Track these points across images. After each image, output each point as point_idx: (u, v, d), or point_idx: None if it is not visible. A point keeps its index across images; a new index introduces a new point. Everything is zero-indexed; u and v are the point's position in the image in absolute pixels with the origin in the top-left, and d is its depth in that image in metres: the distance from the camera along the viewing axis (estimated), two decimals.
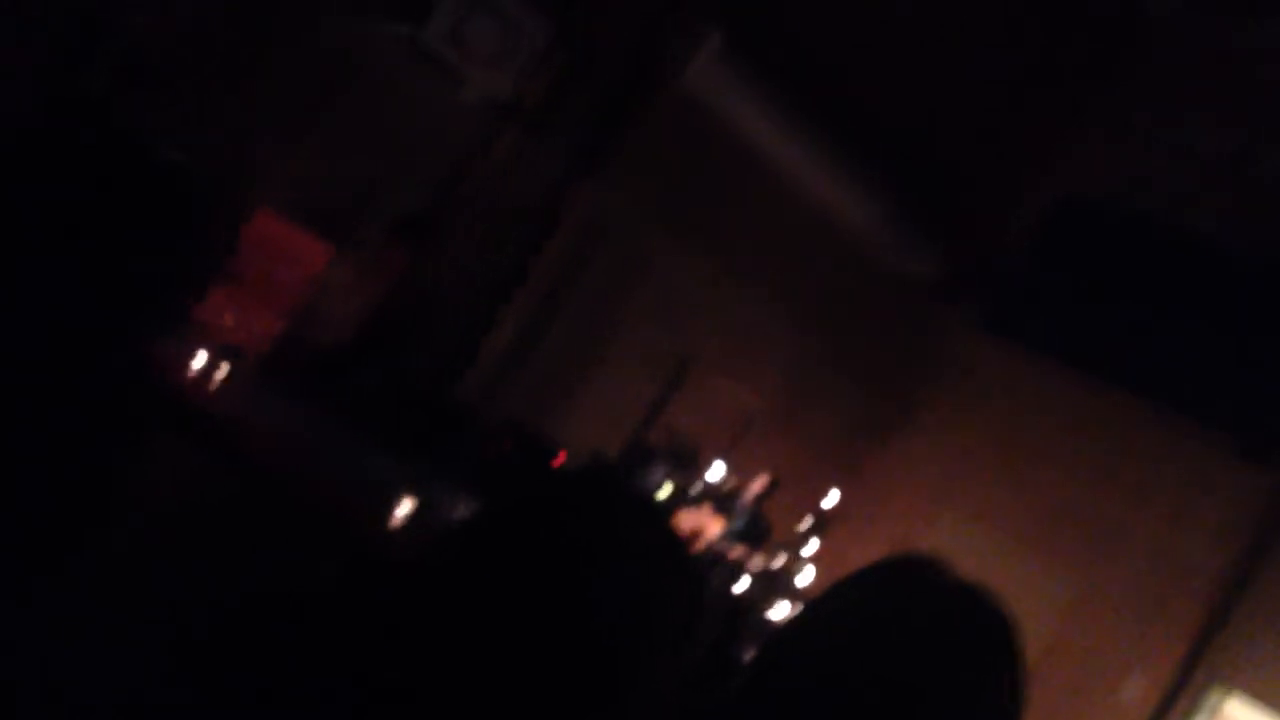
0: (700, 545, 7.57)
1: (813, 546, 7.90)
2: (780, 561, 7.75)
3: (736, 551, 7.66)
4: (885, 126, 8.95)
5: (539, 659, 0.99)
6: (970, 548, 8.49)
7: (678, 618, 1.08)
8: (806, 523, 8.04)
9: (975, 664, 1.05)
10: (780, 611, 7.41)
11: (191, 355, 6.53)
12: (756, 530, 7.88)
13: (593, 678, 1.01)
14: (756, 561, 7.66)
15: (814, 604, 1.16)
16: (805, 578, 7.73)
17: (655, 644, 1.04)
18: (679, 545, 1.12)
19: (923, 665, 1.04)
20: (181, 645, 1.00)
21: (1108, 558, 8.74)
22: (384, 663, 0.98)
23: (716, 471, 8.02)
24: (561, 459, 6.70)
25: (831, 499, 8.16)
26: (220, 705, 0.97)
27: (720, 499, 7.87)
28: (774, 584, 7.59)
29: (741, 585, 7.51)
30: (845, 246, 9.44)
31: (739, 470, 8.17)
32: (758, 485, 8.00)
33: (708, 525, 7.66)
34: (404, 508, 6.13)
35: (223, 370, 6.58)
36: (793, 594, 7.54)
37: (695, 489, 7.89)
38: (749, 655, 6.68)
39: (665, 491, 7.74)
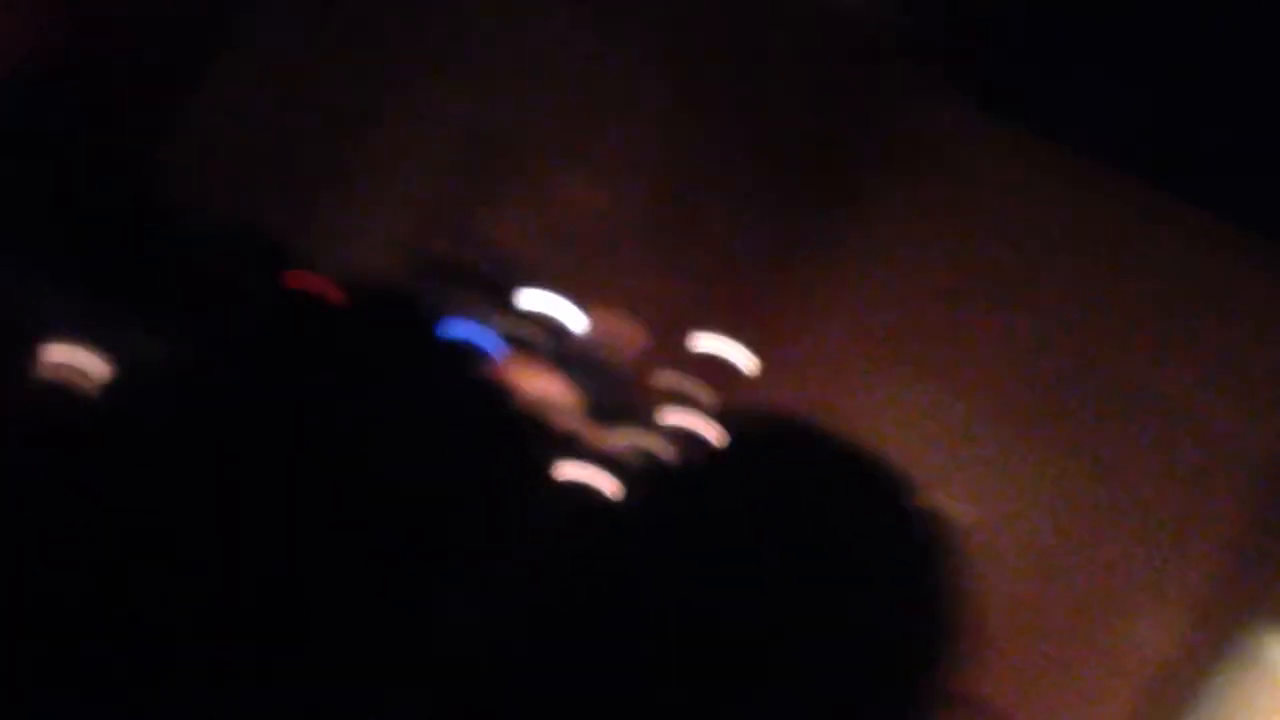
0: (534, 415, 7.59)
1: (680, 418, 7.84)
2: (627, 440, 7.73)
3: (598, 435, 7.69)
4: None
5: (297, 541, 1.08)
6: (926, 421, 8.73)
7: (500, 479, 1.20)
8: (669, 381, 8.04)
9: (881, 556, 1.20)
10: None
11: None
12: (625, 399, 7.95)
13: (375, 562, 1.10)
14: (625, 443, 7.69)
15: (652, 479, 1.35)
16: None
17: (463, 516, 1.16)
18: (495, 392, 1.25)
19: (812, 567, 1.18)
20: None
21: (1127, 439, 9.09)
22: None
23: (549, 304, 8.03)
24: (304, 282, 6.69)
25: (706, 344, 8.07)
26: None
27: (557, 346, 7.92)
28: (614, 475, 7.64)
29: (576, 472, 7.57)
30: None
31: (588, 307, 8.22)
32: (626, 336, 7.98)
33: (537, 381, 7.69)
34: (57, 355, 6.00)
35: None
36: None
37: (515, 327, 7.90)
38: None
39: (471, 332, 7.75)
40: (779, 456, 1.25)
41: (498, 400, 1.24)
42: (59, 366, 5.83)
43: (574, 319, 8.10)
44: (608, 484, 7.51)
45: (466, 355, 1.26)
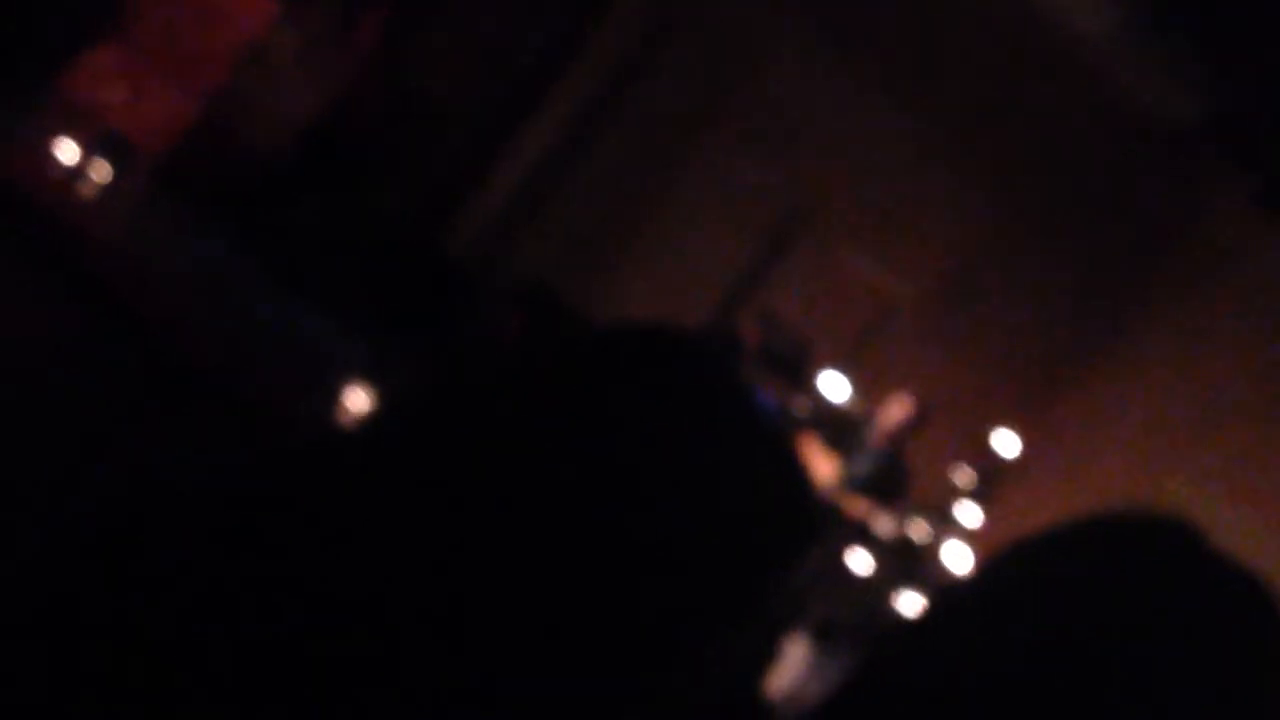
0: None
1: (972, 514, 7.97)
2: (920, 532, 7.84)
3: (857, 506, 7.78)
4: None
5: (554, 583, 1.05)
6: (1217, 531, 8.54)
7: (780, 541, 1.12)
8: (965, 477, 8.12)
9: (1242, 676, 1.09)
10: (913, 603, 7.51)
11: (53, 144, 6.72)
12: (890, 479, 7.98)
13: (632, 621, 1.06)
14: (885, 525, 7.76)
15: (978, 578, 1.19)
16: (957, 559, 7.82)
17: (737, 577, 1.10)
18: (789, 453, 1.16)
19: (1156, 675, 1.06)
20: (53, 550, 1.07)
21: None
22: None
23: (836, 387, 8.12)
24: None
25: (1006, 444, 8.21)
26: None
27: (838, 428, 7.98)
28: (908, 563, 7.68)
29: (860, 560, 7.63)
30: (1069, 69, 9.42)
31: (868, 389, 8.27)
32: (896, 413, 8.10)
33: (818, 463, 7.77)
34: (356, 399, 6.32)
35: (101, 172, 6.80)
36: (935, 581, 7.64)
37: (801, 409, 8.01)
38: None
39: None
40: (1146, 567, 1.10)
41: (794, 469, 1.15)
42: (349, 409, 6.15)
43: (852, 399, 8.17)
44: (865, 560, 7.57)
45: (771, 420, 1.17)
